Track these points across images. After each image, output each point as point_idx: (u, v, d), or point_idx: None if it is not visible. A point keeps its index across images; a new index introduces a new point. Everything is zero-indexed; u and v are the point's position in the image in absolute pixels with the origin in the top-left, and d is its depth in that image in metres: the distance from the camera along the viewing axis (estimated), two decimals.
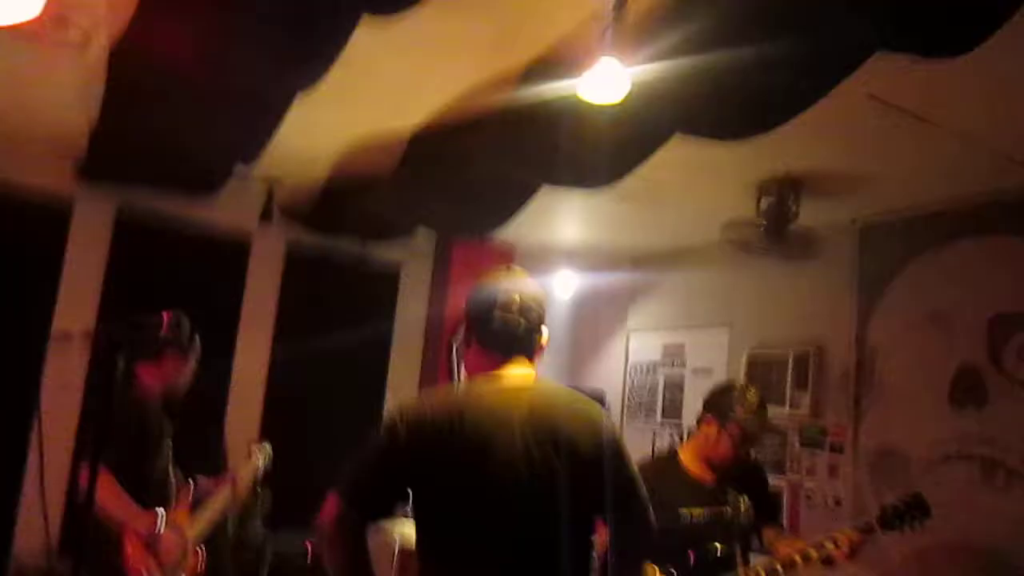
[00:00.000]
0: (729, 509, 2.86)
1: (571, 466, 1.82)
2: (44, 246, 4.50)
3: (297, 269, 5.31)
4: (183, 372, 3.31)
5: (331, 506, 1.79)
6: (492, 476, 1.80)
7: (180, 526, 3.19)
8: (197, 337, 3.32)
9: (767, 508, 2.99)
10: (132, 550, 2.97)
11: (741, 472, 2.92)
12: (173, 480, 3.25)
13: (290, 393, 5.22)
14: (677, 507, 2.89)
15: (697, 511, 2.89)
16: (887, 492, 3.87)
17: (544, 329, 2.00)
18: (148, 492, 3.07)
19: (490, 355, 1.94)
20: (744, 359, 4.63)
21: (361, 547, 1.84)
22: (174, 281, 4.61)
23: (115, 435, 2.94)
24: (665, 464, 3.05)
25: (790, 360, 4.37)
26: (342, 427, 5.36)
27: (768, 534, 2.94)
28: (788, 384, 4.36)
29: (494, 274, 2.01)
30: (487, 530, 1.80)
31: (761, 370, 4.53)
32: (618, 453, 1.90)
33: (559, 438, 1.83)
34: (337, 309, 5.33)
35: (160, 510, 3.12)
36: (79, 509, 3.12)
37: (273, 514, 4.75)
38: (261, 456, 3.67)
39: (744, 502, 2.71)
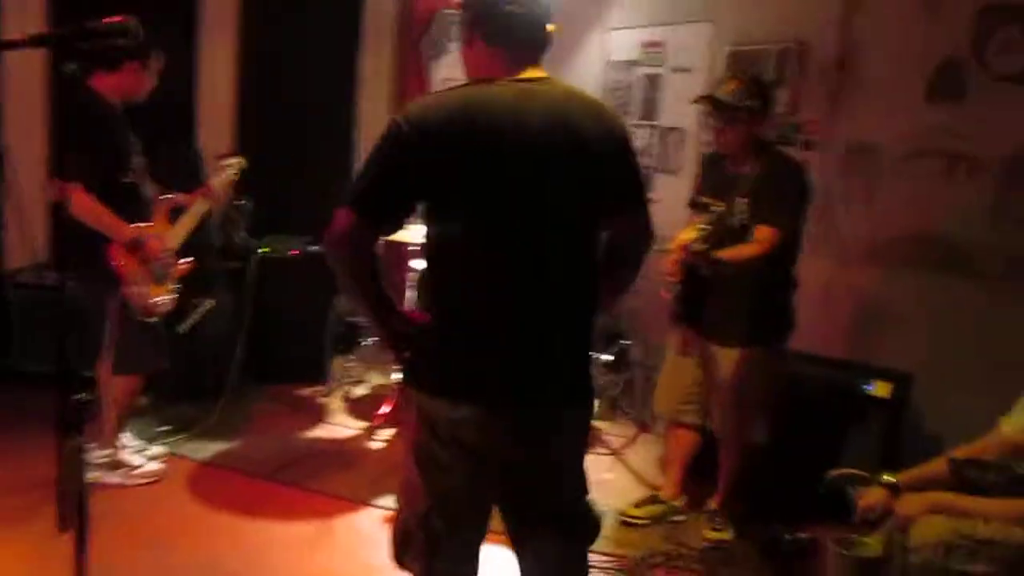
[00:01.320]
0: (721, 205, 2.96)
1: (586, 163, 1.79)
2: None
3: None
4: (142, 82, 3.19)
5: (340, 220, 1.72)
6: (507, 173, 1.74)
7: (161, 235, 3.26)
8: (156, 45, 3.16)
9: (761, 206, 2.98)
10: (118, 259, 3.06)
11: (769, 168, 3.00)
12: (148, 192, 3.26)
13: (260, 102, 5.10)
14: (701, 193, 3.17)
15: (708, 200, 3.09)
16: (856, 187, 3.97)
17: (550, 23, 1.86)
18: (124, 204, 3.09)
19: (498, 53, 1.81)
20: (724, 56, 4.50)
21: (373, 260, 1.81)
22: None
23: (82, 148, 2.90)
24: (715, 155, 3.25)
25: (772, 57, 4.26)
26: (316, 136, 5.33)
27: (756, 232, 2.94)
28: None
29: None
30: (503, 227, 1.76)
31: (742, 68, 4.42)
32: (629, 153, 1.89)
33: (575, 135, 1.77)
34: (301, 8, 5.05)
35: (141, 223, 3.17)
36: (58, 223, 3.18)
37: (256, 223, 4.86)
38: (233, 168, 3.66)
39: (740, 203, 2.74)
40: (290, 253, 4.58)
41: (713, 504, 3.33)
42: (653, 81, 4.94)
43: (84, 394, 1.65)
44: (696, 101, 3.04)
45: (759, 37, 4.35)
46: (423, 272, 1.91)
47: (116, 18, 1.57)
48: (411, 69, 5.42)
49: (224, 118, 5.05)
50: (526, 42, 1.81)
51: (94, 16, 1.57)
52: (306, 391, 4.69)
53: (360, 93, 5.49)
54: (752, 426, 3.19)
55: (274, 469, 3.66)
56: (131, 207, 3.14)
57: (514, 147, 1.73)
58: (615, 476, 3.82)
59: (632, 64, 5.04)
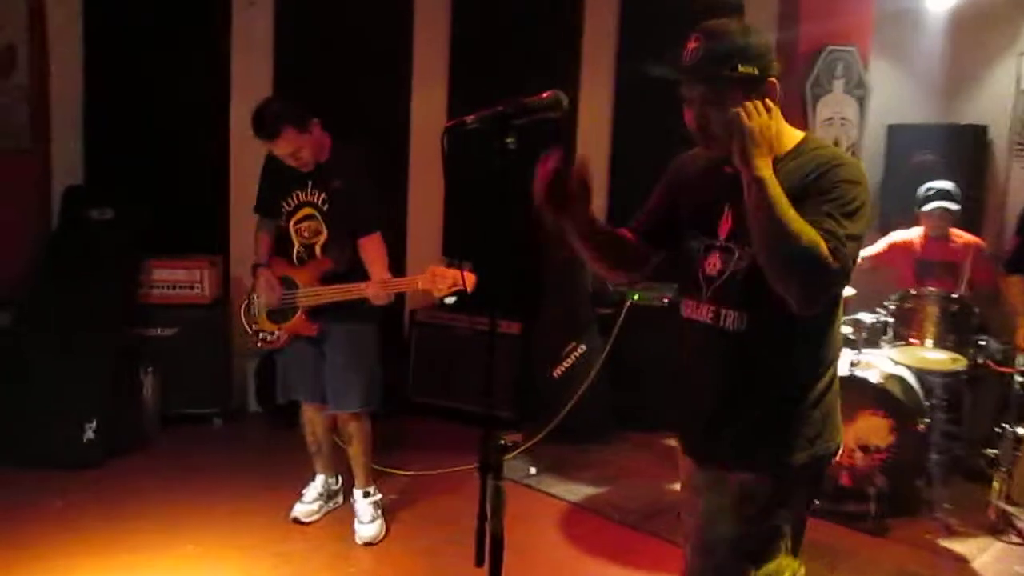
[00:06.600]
0: None
1: None
2: None
3: None
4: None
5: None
6: None
7: (292, 279, 3.31)
8: None
9: None
10: (256, 276, 3.38)
11: None
12: (294, 240, 3.32)
13: (630, 146, 5.26)
14: None
15: None
16: None
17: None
18: (280, 243, 3.40)
19: None
20: None
21: None
22: None
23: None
24: None
25: None
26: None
27: None
28: None
29: None
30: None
31: None
32: None
33: None
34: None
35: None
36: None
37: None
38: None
39: None
40: (661, 300, 4.61)
41: None
42: None
43: (505, 439, 1.72)
44: None
45: None
46: None
47: (548, 93, 1.64)
48: (793, 108, 5.21)
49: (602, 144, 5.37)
50: None
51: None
52: (672, 440, 4.64)
53: None
54: None
55: (642, 518, 3.63)
56: (282, 247, 3.39)
57: None
58: None
59: None
